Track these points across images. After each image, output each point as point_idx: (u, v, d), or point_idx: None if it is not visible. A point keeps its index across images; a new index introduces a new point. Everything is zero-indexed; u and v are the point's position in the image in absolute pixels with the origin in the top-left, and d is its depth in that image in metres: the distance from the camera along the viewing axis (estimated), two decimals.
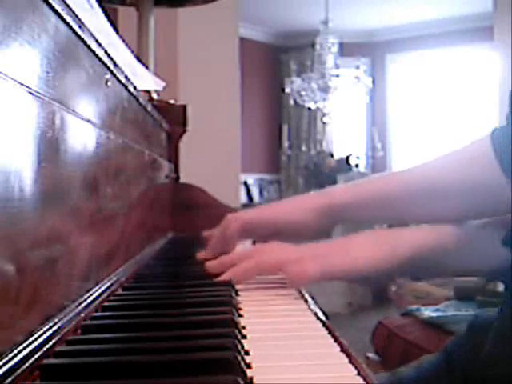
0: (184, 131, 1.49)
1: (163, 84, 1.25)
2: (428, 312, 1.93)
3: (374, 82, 6.00)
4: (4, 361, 0.37)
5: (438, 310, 1.97)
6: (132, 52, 0.98)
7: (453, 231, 0.71)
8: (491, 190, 0.67)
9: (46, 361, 0.42)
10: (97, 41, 0.63)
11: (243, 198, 6.12)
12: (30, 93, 0.43)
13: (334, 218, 0.81)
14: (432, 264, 0.71)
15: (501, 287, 0.71)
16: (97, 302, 0.60)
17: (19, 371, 0.38)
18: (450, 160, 0.74)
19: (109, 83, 0.71)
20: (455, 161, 0.73)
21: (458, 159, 0.73)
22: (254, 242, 1.04)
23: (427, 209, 0.76)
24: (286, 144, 6.15)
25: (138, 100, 0.93)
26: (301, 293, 0.69)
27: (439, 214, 0.76)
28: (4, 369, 0.37)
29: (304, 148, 6.86)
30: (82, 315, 0.54)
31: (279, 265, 0.69)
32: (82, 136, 0.59)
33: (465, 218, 0.73)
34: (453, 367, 0.76)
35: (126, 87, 0.82)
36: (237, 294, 0.68)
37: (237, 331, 0.49)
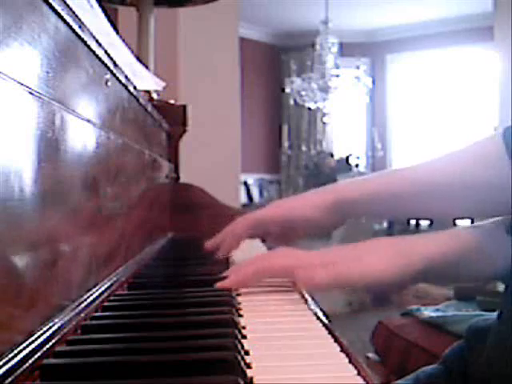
0: (184, 131, 1.49)
1: (163, 84, 1.25)
2: (428, 312, 1.93)
3: (373, 82, 6.01)
4: (4, 361, 0.37)
5: (437, 310, 1.97)
6: (132, 52, 0.98)
7: (466, 237, 0.69)
8: (500, 189, 0.67)
9: (46, 361, 0.42)
10: (97, 41, 0.63)
11: (243, 198, 6.12)
12: (30, 93, 0.43)
13: (342, 214, 0.81)
14: (445, 273, 0.70)
15: (501, 287, 0.70)
16: (97, 301, 0.60)
17: (19, 371, 0.38)
18: (458, 158, 0.74)
19: (109, 83, 0.71)
20: (463, 158, 0.73)
21: (466, 157, 0.73)
22: (263, 241, 1.04)
23: (434, 206, 0.75)
24: (286, 144, 6.15)
25: (138, 100, 0.93)
26: (301, 293, 0.69)
27: (446, 211, 0.76)
28: (4, 369, 0.37)
29: (304, 148, 6.86)
30: (82, 315, 0.54)
31: (289, 269, 0.67)
32: (82, 136, 0.59)
33: (471, 216, 0.73)
34: (452, 376, 0.76)
35: (126, 87, 0.82)
36: (237, 294, 0.67)
37: (237, 331, 0.49)
